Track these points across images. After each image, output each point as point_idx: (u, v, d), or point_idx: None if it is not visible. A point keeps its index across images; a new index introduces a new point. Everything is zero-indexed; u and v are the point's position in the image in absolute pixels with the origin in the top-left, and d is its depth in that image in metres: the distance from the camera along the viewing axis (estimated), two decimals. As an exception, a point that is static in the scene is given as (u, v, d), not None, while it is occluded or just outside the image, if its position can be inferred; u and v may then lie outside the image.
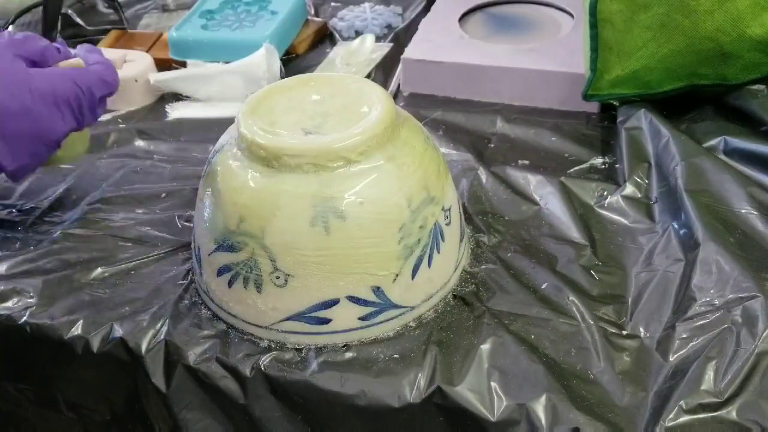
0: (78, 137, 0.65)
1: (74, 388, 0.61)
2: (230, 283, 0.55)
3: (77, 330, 0.58)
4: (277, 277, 0.53)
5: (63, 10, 1.02)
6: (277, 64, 0.87)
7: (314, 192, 0.51)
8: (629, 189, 0.66)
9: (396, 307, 0.55)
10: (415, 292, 0.55)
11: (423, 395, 0.51)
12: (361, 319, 0.54)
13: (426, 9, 0.99)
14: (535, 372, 0.51)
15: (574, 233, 0.63)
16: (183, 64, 0.91)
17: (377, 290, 0.54)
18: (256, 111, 0.56)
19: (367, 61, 0.92)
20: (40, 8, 1.03)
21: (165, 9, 1.10)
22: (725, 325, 0.52)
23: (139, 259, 0.64)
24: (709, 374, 0.49)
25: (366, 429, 0.53)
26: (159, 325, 0.57)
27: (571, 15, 0.90)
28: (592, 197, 0.67)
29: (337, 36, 1.00)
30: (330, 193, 0.51)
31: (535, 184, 0.69)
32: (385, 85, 0.87)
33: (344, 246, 0.52)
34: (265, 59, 0.85)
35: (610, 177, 0.69)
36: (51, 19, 0.71)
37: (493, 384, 0.51)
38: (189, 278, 0.62)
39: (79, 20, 1.02)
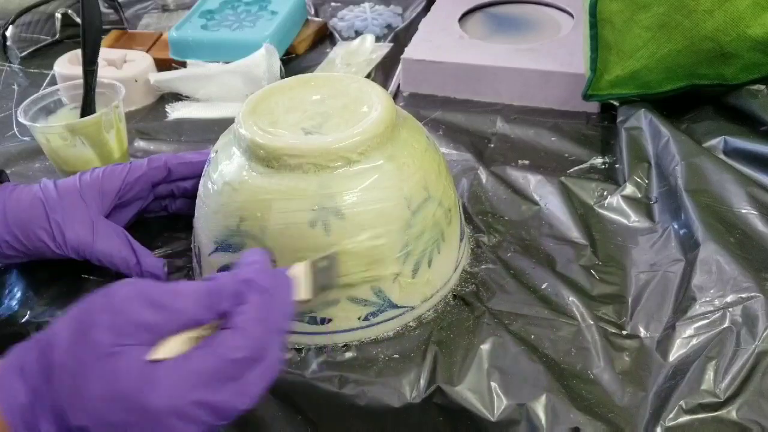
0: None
1: (74, 388, 0.61)
2: (230, 283, 0.55)
3: (77, 330, 0.57)
4: (277, 277, 0.53)
5: (63, 10, 1.02)
6: (277, 64, 0.87)
7: (314, 192, 0.51)
8: (629, 189, 0.66)
9: (396, 307, 0.55)
10: (415, 292, 0.55)
11: (423, 395, 0.51)
12: (361, 319, 0.54)
13: (426, 9, 0.99)
14: (535, 372, 0.51)
15: (574, 233, 0.63)
16: (183, 64, 0.91)
17: (377, 290, 0.54)
18: (256, 111, 0.56)
19: (367, 61, 0.92)
20: (41, 8, 1.03)
21: (165, 9, 1.10)
22: (725, 325, 0.52)
23: (139, 259, 0.64)
24: (709, 374, 0.49)
25: (366, 429, 0.53)
26: (159, 325, 0.57)
27: (571, 15, 0.90)
28: (592, 197, 0.67)
29: (337, 36, 1.00)
30: (330, 193, 0.51)
31: (535, 184, 0.69)
32: (385, 85, 0.87)
33: (344, 246, 0.52)
34: (265, 59, 0.85)
35: (610, 177, 0.69)
36: (91, 50, 0.69)
37: (493, 384, 0.51)
38: (189, 278, 0.61)
39: (79, 20, 1.02)
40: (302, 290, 0.46)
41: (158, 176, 0.62)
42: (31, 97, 0.71)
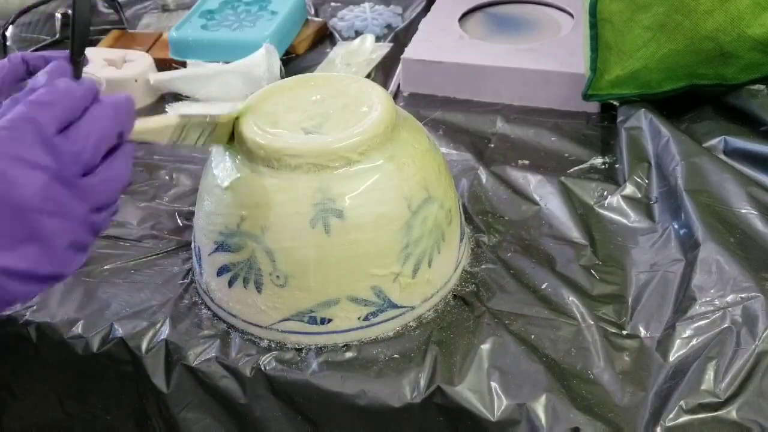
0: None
1: (74, 388, 0.61)
2: (230, 283, 0.55)
3: (77, 330, 0.58)
4: (277, 277, 0.53)
5: (63, 10, 1.02)
6: (277, 64, 0.87)
7: (314, 192, 0.51)
8: (629, 189, 0.66)
9: (396, 307, 0.55)
10: (415, 292, 0.55)
11: (423, 395, 0.51)
12: (361, 319, 0.54)
13: (426, 9, 0.99)
14: (535, 372, 0.51)
15: (574, 233, 0.63)
16: (183, 64, 0.91)
17: (377, 290, 0.54)
18: (256, 111, 0.56)
19: (367, 61, 0.92)
20: (41, 8, 1.03)
21: (165, 9, 1.10)
22: (725, 325, 0.52)
23: (139, 259, 0.64)
24: (709, 374, 0.49)
25: (366, 429, 0.53)
26: (159, 325, 0.57)
27: (571, 15, 0.90)
28: (592, 197, 0.67)
29: (337, 36, 1.00)
30: (330, 193, 0.51)
31: (535, 184, 0.69)
32: (385, 85, 0.87)
33: (344, 246, 0.52)
34: (265, 59, 0.85)
35: (610, 177, 0.69)
36: (79, 42, 0.69)
37: (493, 384, 0.51)
38: (189, 278, 0.62)
39: (79, 20, 1.02)
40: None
41: (21, 70, 0.57)
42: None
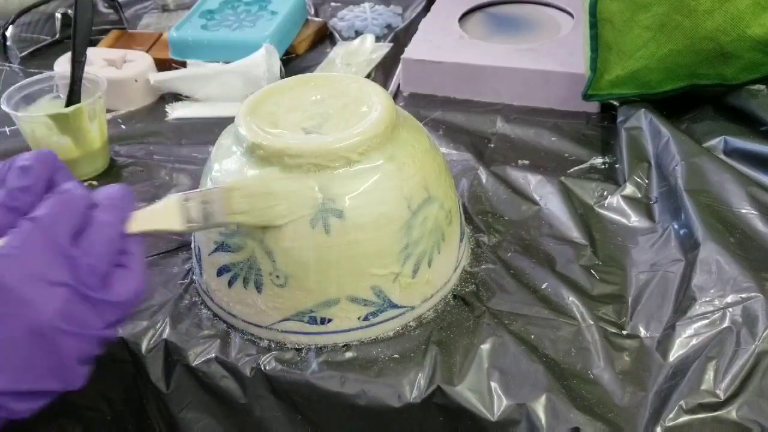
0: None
1: (74, 388, 0.61)
2: (230, 283, 0.55)
3: (77, 330, 0.58)
4: (277, 277, 0.53)
5: (63, 10, 1.02)
6: (277, 64, 0.87)
7: (314, 192, 0.51)
8: (629, 189, 0.66)
9: (396, 307, 0.55)
10: (415, 292, 0.55)
11: (423, 395, 0.51)
12: (361, 319, 0.54)
13: (426, 9, 0.99)
14: (535, 372, 0.51)
15: (574, 233, 0.63)
16: (183, 64, 0.91)
17: (377, 290, 0.54)
18: (256, 111, 0.56)
19: (367, 61, 0.92)
20: (41, 8, 1.03)
21: (165, 9, 1.10)
22: (725, 325, 0.52)
23: (139, 259, 0.64)
24: (709, 374, 0.49)
25: (366, 429, 0.53)
26: (159, 325, 0.57)
27: (571, 15, 0.90)
28: (592, 197, 0.67)
29: (337, 36, 1.00)
30: (330, 193, 0.51)
31: (535, 184, 0.69)
32: (385, 85, 0.87)
33: (344, 246, 0.52)
34: (265, 59, 0.85)
35: (610, 177, 0.69)
36: (80, 41, 0.70)
37: (493, 384, 0.51)
38: (189, 278, 0.62)
39: (79, 20, 1.02)
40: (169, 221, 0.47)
41: None
42: (12, 87, 0.73)
